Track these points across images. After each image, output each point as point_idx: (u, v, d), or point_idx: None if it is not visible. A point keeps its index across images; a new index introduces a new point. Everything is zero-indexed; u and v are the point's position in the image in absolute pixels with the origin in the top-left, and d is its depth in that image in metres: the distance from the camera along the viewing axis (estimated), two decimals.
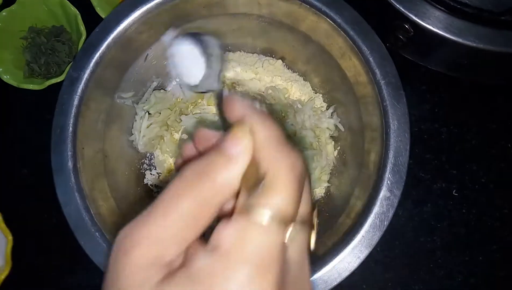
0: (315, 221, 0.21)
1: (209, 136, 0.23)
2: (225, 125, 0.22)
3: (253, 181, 0.18)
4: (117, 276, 0.17)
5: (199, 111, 0.49)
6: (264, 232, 0.17)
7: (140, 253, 0.17)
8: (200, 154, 0.23)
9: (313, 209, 0.21)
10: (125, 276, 0.17)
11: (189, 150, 0.24)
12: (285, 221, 0.18)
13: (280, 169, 0.18)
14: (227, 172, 0.18)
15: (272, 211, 0.17)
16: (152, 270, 0.17)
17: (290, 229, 0.18)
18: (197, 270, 0.17)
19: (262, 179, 0.18)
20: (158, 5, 0.43)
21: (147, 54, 0.48)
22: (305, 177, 0.19)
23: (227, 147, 0.19)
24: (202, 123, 0.47)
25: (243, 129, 0.19)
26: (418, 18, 0.44)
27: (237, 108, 0.20)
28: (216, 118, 0.47)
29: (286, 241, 0.18)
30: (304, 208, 0.20)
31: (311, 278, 0.38)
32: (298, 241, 0.19)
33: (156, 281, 0.17)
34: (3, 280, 0.46)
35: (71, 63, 0.44)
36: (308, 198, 0.20)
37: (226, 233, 0.17)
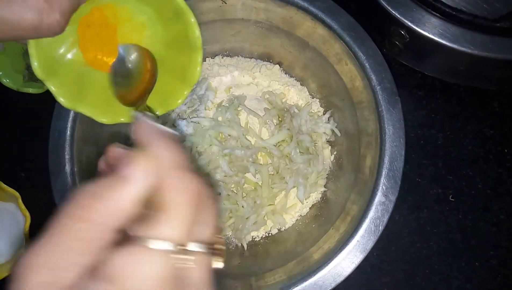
0: (220, 243, 0.21)
1: (119, 154, 0.22)
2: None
3: (153, 207, 0.18)
4: None
5: (196, 116, 0.49)
6: (152, 259, 0.17)
7: (35, 279, 0.17)
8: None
9: (217, 232, 0.21)
10: None
11: (102, 169, 0.24)
12: (176, 246, 0.18)
13: (172, 194, 0.18)
14: (120, 194, 0.18)
15: (162, 237, 0.17)
16: None
17: (184, 253, 0.18)
18: None
19: (158, 205, 0.18)
20: None
21: None
22: (202, 202, 0.19)
23: (123, 169, 0.18)
24: (198, 127, 0.48)
25: (143, 153, 0.19)
26: (414, 24, 0.44)
27: (141, 131, 0.20)
28: (213, 123, 0.48)
29: (180, 265, 0.18)
30: (205, 232, 0.20)
31: (306, 283, 0.38)
32: (198, 264, 0.19)
33: None
34: None
35: None
36: (211, 223, 0.20)
37: (115, 261, 0.17)
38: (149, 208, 0.18)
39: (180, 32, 0.32)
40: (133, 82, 0.31)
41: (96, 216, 0.18)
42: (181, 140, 0.21)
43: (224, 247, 0.21)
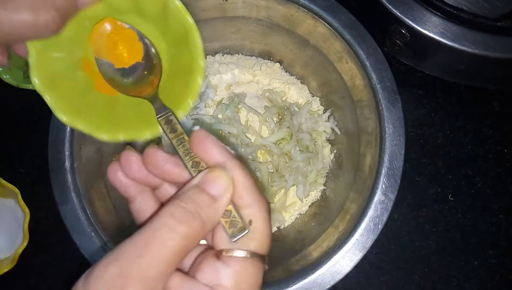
0: None
1: (161, 159, 0.23)
2: (174, 149, 0.23)
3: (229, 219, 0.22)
4: None
5: (196, 113, 0.49)
6: (256, 271, 0.21)
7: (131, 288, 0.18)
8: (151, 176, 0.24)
9: None
10: None
11: (136, 165, 0.24)
12: (266, 255, 0.22)
13: (260, 214, 0.22)
14: (213, 211, 0.21)
15: (260, 251, 0.21)
16: None
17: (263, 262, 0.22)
18: None
19: (240, 221, 0.21)
20: None
21: None
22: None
23: (212, 189, 0.21)
24: (198, 124, 0.47)
25: (225, 174, 0.22)
26: (415, 23, 0.44)
27: (217, 153, 0.22)
28: (213, 120, 0.48)
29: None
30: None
31: (305, 280, 0.39)
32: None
33: None
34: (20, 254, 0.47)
35: None
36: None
37: (226, 273, 0.20)
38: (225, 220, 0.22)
39: (184, 56, 0.30)
40: (145, 77, 0.30)
41: (193, 230, 0.20)
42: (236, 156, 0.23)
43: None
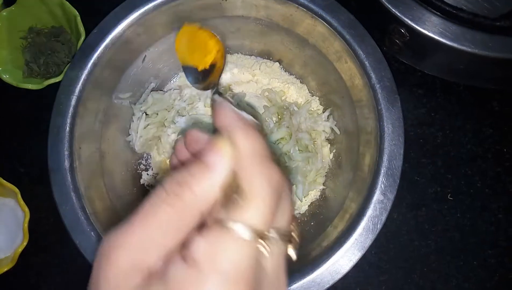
0: (296, 233, 0.21)
1: (199, 138, 0.23)
2: (214, 129, 0.22)
3: (233, 192, 0.19)
4: (98, 278, 0.18)
5: (195, 113, 0.49)
6: (236, 244, 0.18)
7: (120, 257, 0.18)
8: (193, 156, 0.24)
9: (293, 221, 0.22)
10: (106, 279, 0.18)
11: (181, 151, 0.25)
12: (258, 233, 0.18)
13: (257, 183, 0.19)
14: (206, 181, 0.19)
15: (245, 224, 0.18)
16: (131, 274, 0.18)
17: (264, 240, 0.19)
18: (172, 278, 0.17)
19: (240, 191, 0.19)
20: (155, 7, 0.44)
21: (145, 56, 0.48)
22: (282, 191, 0.20)
23: (206, 156, 0.19)
24: (197, 124, 0.48)
25: (224, 140, 0.19)
26: (414, 23, 0.44)
27: (224, 117, 0.21)
28: (212, 120, 0.47)
29: (260, 252, 0.19)
30: (282, 220, 0.20)
31: (304, 280, 0.39)
32: (275, 251, 0.20)
33: (134, 284, 0.18)
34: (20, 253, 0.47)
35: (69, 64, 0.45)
36: (288, 212, 0.21)
37: (199, 245, 0.18)
38: (228, 194, 0.19)
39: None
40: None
41: (183, 203, 0.18)
42: (258, 128, 0.21)
43: (298, 237, 0.22)
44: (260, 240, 0.18)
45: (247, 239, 0.18)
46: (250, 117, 0.22)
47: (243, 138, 0.20)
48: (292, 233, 0.21)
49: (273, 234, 0.19)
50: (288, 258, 0.21)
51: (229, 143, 0.19)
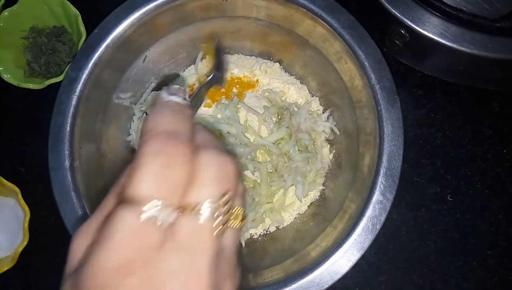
0: (243, 215, 0.22)
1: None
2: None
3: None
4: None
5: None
6: (194, 224, 0.19)
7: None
8: None
9: (243, 206, 0.22)
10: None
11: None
12: (213, 214, 0.19)
13: (208, 169, 0.20)
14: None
15: (200, 206, 0.19)
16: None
17: (219, 221, 0.20)
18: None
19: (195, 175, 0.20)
20: (156, 7, 0.44)
21: (146, 56, 0.49)
22: (233, 180, 0.21)
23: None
24: (198, 124, 0.48)
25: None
26: (414, 24, 0.44)
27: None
28: (212, 120, 0.48)
29: (217, 230, 0.19)
30: (237, 204, 0.22)
31: (303, 280, 0.39)
32: (230, 230, 0.21)
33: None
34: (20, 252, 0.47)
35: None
36: (240, 198, 0.22)
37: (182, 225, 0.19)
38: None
39: None
40: None
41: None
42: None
43: (245, 218, 0.22)
44: (216, 221, 0.19)
45: (203, 220, 0.19)
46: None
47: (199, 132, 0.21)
48: (242, 214, 0.22)
49: (228, 215, 0.20)
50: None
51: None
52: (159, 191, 0.18)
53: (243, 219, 0.22)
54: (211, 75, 0.38)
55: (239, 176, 0.21)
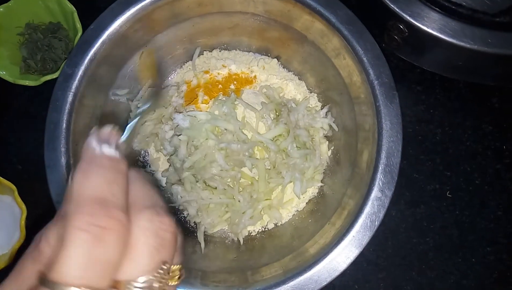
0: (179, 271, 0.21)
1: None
2: None
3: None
4: None
5: (192, 109, 0.49)
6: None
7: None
8: None
9: (181, 261, 0.22)
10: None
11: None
12: (148, 287, 0.18)
13: (141, 239, 0.18)
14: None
15: (134, 284, 0.18)
16: None
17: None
18: None
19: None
20: (152, 3, 0.43)
21: (142, 52, 0.48)
22: (171, 245, 0.20)
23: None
24: (194, 120, 0.47)
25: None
26: (413, 19, 0.44)
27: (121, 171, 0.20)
28: (209, 116, 0.47)
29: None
30: (174, 261, 0.20)
31: (301, 277, 0.38)
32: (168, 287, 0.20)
33: None
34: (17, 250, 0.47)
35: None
36: (177, 255, 0.21)
37: None
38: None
39: None
40: None
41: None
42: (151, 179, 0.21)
43: (182, 274, 0.21)
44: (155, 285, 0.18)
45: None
46: (142, 171, 0.22)
47: (136, 189, 0.20)
48: (179, 271, 0.21)
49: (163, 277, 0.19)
50: None
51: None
52: (86, 276, 0.16)
53: (180, 276, 0.20)
54: (149, 103, 0.32)
55: (177, 232, 0.20)
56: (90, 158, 0.20)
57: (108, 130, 0.21)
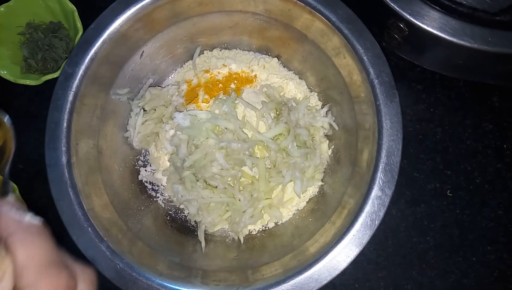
0: None
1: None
2: None
3: None
4: None
5: (192, 108, 0.49)
6: None
7: None
8: None
9: None
10: None
11: None
12: None
13: None
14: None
15: None
16: None
17: None
18: None
19: None
20: (153, 2, 0.43)
21: (143, 51, 0.48)
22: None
23: None
24: (195, 119, 0.47)
25: (10, 256, 0.19)
26: (413, 17, 0.44)
27: (2, 224, 0.20)
28: (210, 115, 0.47)
29: None
30: None
31: (302, 276, 0.38)
32: None
33: None
34: None
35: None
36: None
37: None
38: None
39: None
40: None
41: None
42: (44, 231, 0.21)
43: None
44: None
45: None
46: (36, 221, 0.21)
47: (23, 245, 0.19)
48: None
49: None
50: None
51: (7, 256, 0.19)
52: None
53: None
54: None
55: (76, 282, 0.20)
56: (22, 229, 0.20)
57: (11, 198, 0.21)
